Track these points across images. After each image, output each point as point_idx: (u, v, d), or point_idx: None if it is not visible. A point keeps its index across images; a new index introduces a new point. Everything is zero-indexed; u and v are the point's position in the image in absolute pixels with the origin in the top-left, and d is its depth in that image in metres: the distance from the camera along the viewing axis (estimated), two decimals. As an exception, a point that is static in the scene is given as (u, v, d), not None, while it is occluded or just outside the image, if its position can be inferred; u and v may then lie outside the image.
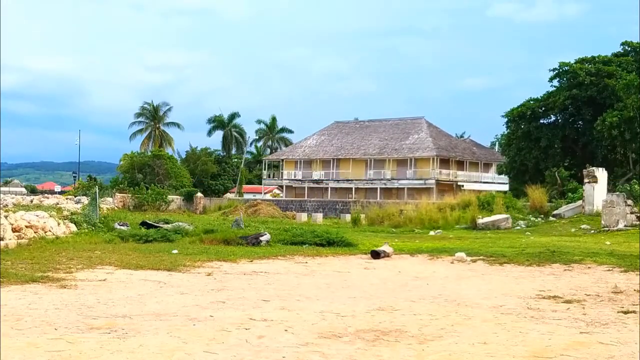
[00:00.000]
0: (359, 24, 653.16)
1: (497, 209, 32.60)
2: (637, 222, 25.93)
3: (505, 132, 56.59)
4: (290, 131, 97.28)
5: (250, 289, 11.34)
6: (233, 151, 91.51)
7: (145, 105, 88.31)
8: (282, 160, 77.44)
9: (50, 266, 13.61)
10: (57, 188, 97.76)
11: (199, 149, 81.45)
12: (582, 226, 27.26)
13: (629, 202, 26.81)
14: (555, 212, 32.26)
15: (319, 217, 40.16)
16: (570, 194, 36.26)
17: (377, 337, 7.63)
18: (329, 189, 71.86)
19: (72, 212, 23.61)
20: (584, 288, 11.69)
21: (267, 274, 13.51)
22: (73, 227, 21.20)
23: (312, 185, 73.33)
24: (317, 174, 73.79)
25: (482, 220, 29.55)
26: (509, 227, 28.95)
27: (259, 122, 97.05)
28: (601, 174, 32.19)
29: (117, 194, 49.07)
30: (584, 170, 32.68)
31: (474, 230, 28.45)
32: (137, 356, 6.63)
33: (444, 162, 68.20)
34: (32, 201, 38.80)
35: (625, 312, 9.27)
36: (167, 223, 25.07)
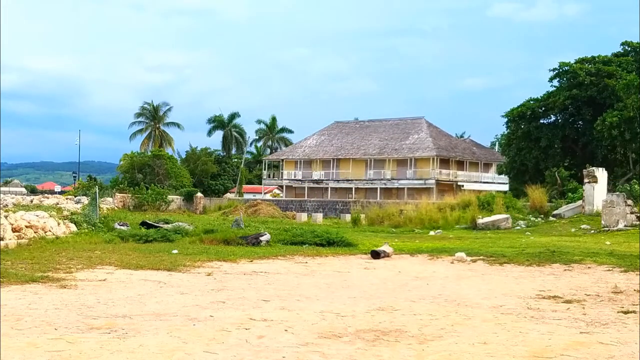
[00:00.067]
0: (359, 24, 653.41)
1: (497, 209, 32.60)
2: (637, 222, 25.93)
3: (505, 132, 56.61)
4: (290, 131, 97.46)
5: (250, 289, 11.34)
6: (233, 151, 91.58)
7: (145, 105, 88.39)
8: (282, 160, 77.44)
9: (50, 266, 13.61)
10: (57, 188, 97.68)
11: (199, 149, 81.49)
12: (582, 226, 27.27)
13: (629, 202, 26.81)
14: (555, 212, 32.26)
15: (319, 217, 40.16)
16: (570, 194, 36.27)
17: (377, 337, 7.63)
18: (329, 189, 71.86)
19: (72, 212, 23.61)
20: (584, 288, 11.69)
21: (267, 274, 13.51)
22: (73, 227, 21.20)
23: (312, 185, 73.32)
24: (317, 174, 73.80)
25: (482, 220, 29.55)
26: (509, 227, 28.95)
27: (259, 122, 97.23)
28: (601, 174, 32.20)
29: (117, 194, 49.05)
30: (584, 170, 32.68)
31: (474, 230, 28.45)
32: (137, 356, 6.63)
33: (444, 162, 68.20)
34: (32, 201, 38.77)
35: (625, 312, 9.27)
36: (167, 223, 25.07)
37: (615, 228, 25.35)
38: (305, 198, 62.91)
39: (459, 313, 9.22)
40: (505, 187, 58.33)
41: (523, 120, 49.86)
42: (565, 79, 49.46)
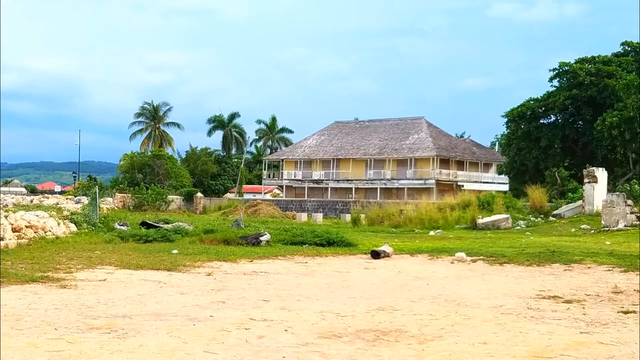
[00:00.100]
0: (359, 24, 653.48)
1: (497, 209, 32.60)
2: (637, 222, 25.93)
3: (505, 132, 56.62)
4: (290, 131, 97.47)
5: (250, 289, 11.34)
6: (233, 151, 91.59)
7: (145, 105, 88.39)
8: (282, 160, 77.44)
9: (50, 266, 13.61)
10: (57, 188, 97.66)
11: (199, 149, 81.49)
12: (582, 226, 27.27)
13: (629, 202, 26.81)
14: (555, 212, 32.26)
15: (319, 217, 40.16)
16: (570, 194, 36.27)
17: (377, 337, 7.63)
18: (329, 189, 71.86)
19: (72, 212, 23.61)
20: (584, 288, 11.69)
21: (267, 274, 13.51)
22: (73, 227, 21.20)
23: (312, 185, 73.32)
24: (317, 174, 73.80)
25: (482, 220, 29.55)
26: (509, 227, 28.95)
27: (259, 122, 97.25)
28: (601, 174, 32.20)
29: (117, 194, 49.04)
30: (584, 170, 32.68)
31: (474, 230, 28.45)
32: (137, 356, 6.63)
33: (444, 162, 68.20)
34: (32, 201, 38.76)
35: (625, 312, 9.27)
36: (167, 223, 25.08)
37: (615, 228, 25.35)
38: (305, 198, 62.91)
39: (459, 313, 9.22)
40: (505, 187, 58.33)
41: (523, 120, 49.86)
42: (565, 79, 49.47)
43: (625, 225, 25.51)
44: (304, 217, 40.48)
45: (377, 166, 70.41)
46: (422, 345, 7.23)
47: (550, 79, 50.23)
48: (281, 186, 76.79)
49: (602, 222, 26.51)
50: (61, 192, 71.51)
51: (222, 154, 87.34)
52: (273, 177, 79.14)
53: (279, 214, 43.51)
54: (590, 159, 44.02)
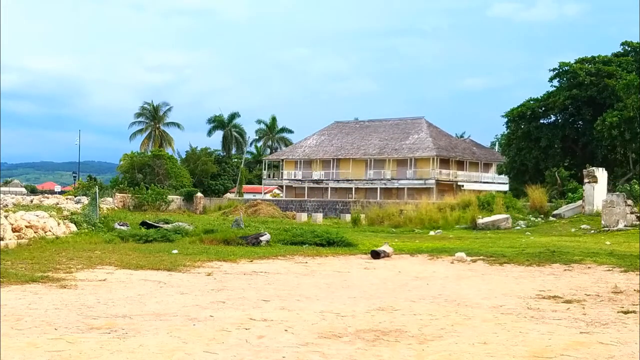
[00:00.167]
0: (359, 24, 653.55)
1: (497, 209, 32.60)
2: (637, 222, 25.93)
3: (505, 132, 56.62)
4: (290, 131, 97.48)
5: (250, 289, 11.34)
6: (233, 151, 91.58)
7: (145, 105, 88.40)
8: (282, 160, 77.44)
9: (50, 266, 13.61)
10: (57, 188, 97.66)
11: (199, 149, 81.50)
12: (582, 226, 27.27)
13: (629, 202, 26.81)
14: (555, 212, 32.26)
15: (319, 217, 40.16)
16: (570, 194, 36.27)
17: (377, 337, 7.63)
18: (329, 189, 71.86)
19: (72, 212, 23.61)
20: (584, 288, 11.69)
21: (267, 274, 13.51)
22: (73, 227, 21.20)
23: (312, 185, 73.32)
24: (317, 174, 73.80)
25: (482, 220, 29.55)
26: (509, 227, 28.95)
27: (259, 122, 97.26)
28: (601, 174, 32.20)
29: (117, 194, 49.04)
30: (584, 170, 32.69)
31: (474, 230, 28.45)
32: (137, 356, 6.63)
33: (444, 162, 68.20)
34: (32, 201, 38.76)
35: (625, 312, 9.27)
36: (167, 223, 25.08)
37: (615, 228, 25.35)
38: (305, 198, 62.92)
39: (459, 313, 9.22)
40: (505, 187, 58.33)
41: (523, 120, 49.86)
42: (565, 79, 49.47)
43: (625, 225, 25.51)
44: (304, 217, 40.48)
45: (377, 166, 70.41)
46: (422, 345, 7.23)
47: (550, 79, 50.26)
48: (281, 186, 76.79)
49: (602, 222, 26.51)
50: (61, 192, 71.51)
51: (222, 154, 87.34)
52: (273, 177, 79.15)
53: (279, 214, 43.51)
54: (590, 159, 44.02)
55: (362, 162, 71.26)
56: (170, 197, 50.78)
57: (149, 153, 70.64)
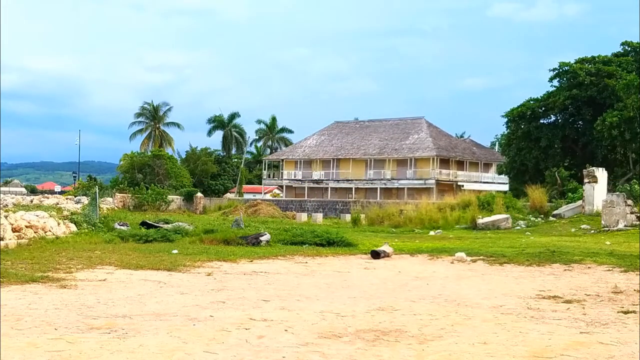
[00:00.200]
0: (359, 24, 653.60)
1: (497, 209, 32.60)
2: (637, 222, 25.93)
3: (505, 132, 56.63)
4: (290, 131, 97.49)
5: (250, 289, 11.34)
6: (233, 151, 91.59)
7: (145, 105, 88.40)
8: (282, 160, 77.44)
9: (50, 266, 13.61)
10: (57, 188, 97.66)
11: (199, 149, 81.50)
12: (582, 226, 27.27)
13: (629, 202, 26.81)
14: (555, 212, 32.26)
15: (319, 217, 40.16)
16: (570, 194, 36.27)
17: (377, 337, 7.63)
18: (329, 189, 71.86)
19: (72, 212, 23.61)
20: (584, 288, 11.69)
21: (267, 274, 13.51)
22: (73, 227, 21.20)
23: (312, 185, 73.33)
24: (317, 174, 73.80)
25: (482, 220, 29.55)
26: (509, 227, 28.95)
27: (259, 122, 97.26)
28: (601, 174, 32.20)
29: (117, 194, 49.05)
30: (584, 170, 32.68)
31: (474, 230, 28.45)
32: (137, 356, 6.63)
33: (444, 162, 68.21)
34: (32, 201, 38.76)
35: (625, 312, 9.27)
36: (167, 223, 25.07)
37: (615, 228, 25.35)
38: (305, 198, 62.91)
39: (459, 313, 9.22)
40: (505, 187, 58.33)
41: (523, 120, 49.86)
42: (565, 79, 49.47)
43: (625, 225, 25.51)
44: (304, 217, 40.48)
45: (377, 166, 70.41)
46: (422, 345, 7.23)
47: (550, 79, 50.26)
48: (281, 186, 76.79)
49: (602, 222, 26.51)
50: (61, 192, 71.51)
51: (222, 154, 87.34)
52: (273, 177, 79.15)
53: (279, 214, 43.51)
54: (590, 159, 44.02)
55: (362, 162, 71.27)
56: (170, 197, 50.79)
57: (149, 153, 70.64)
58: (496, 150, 78.31)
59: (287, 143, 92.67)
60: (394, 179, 68.66)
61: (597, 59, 48.81)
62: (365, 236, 24.52)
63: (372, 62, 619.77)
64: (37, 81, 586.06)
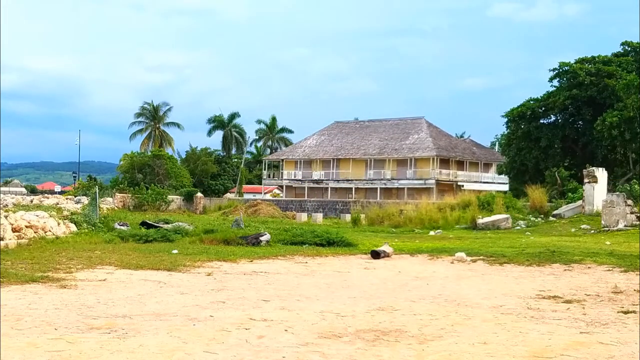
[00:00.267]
0: (359, 24, 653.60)
1: (497, 209, 32.60)
2: (637, 222, 25.93)
3: (505, 132, 56.62)
4: (290, 131, 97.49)
5: (250, 289, 11.34)
6: (233, 151, 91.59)
7: (145, 105, 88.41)
8: (282, 160, 77.44)
9: (50, 266, 13.61)
10: (57, 188, 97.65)
11: (199, 149, 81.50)
12: (582, 226, 27.26)
13: (629, 202, 26.81)
14: (555, 212, 32.26)
15: (319, 217, 40.16)
16: (570, 194, 36.27)
17: (377, 337, 7.63)
18: (329, 189, 71.86)
19: (72, 212, 23.61)
20: (584, 288, 11.69)
21: (267, 274, 13.51)
22: (73, 227, 21.20)
23: (312, 185, 73.32)
24: (317, 174, 73.80)
25: (482, 220, 29.55)
26: (509, 227, 28.95)
27: (259, 122, 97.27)
28: (601, 174, 32.20)
29: (117, 194, 49.04)
30: (584, 170, 32.68)
31: (474, 230, 28.45)
32: (137, 356, 6.63)
33: (444, 162, 68.21)
34: (32, 201, 38.76)
35: (625, 312, 9.27)
36: (167, 223, 25.07)
37: (615, 228, 25.35)
38: (305, 198, 62.91)
39: (459, 313, 9.22)
40: (505, 187, 58.33)
41: (523, 120, 49.86)
42: (565, 79, 49.47)
43: (625, 225, 25.51)
44: (304, 217, 40.47)
45: (377, 166, 70.41)
46: (422, 345, 7.23)
47: (550, 79, 50.26)
48: (281, 186, 76.79)
49: (602, 222, 26.51)
50: (61, 192, 71.51)
51: (222, 154, 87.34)
52: (273, 177, 79.15)
53: (279, 214, 43.51)
54: (590, 159, 44.02)
55: (362, 162, 71.27)
56: (170, 197, 50.78)
57: (149, 153, 70.63)
58: (496, 150, 78.31)
59: (287, 143, 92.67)
60: (394, 179, 68.66)
61: (597, 59, 48.81)
62: (365, 236, 24.52)
63: (372, 62, 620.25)
64: (37, 81, 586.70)
